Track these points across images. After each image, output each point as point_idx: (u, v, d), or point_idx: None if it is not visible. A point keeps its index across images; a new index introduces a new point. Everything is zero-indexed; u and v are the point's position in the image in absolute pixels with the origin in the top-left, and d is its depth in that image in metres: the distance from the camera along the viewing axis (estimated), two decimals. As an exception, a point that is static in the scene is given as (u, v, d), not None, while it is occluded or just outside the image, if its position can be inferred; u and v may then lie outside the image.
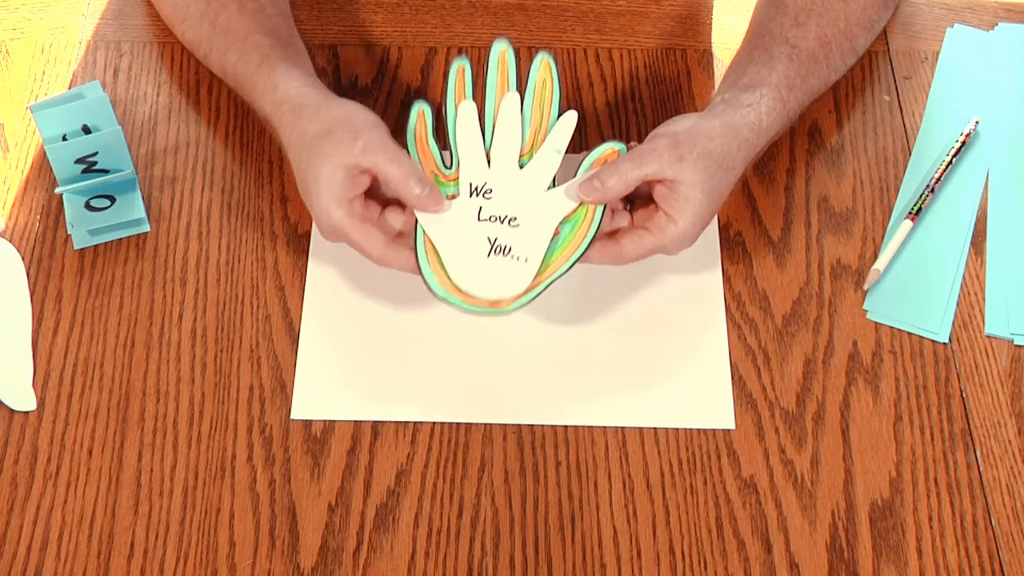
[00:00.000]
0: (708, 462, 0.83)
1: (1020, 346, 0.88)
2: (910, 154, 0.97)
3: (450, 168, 0.86)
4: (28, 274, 0.90)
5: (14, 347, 0.86)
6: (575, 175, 0.86)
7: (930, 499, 0.82)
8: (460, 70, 0.87)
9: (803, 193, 0.95)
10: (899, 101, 1.00)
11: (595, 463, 0.83)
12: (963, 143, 0.96)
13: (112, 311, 0.88)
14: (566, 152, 0.86)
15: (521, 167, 0.86)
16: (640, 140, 0.87)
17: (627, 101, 1.00)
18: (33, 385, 0.85)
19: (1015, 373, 0.87)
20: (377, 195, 0.85)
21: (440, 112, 0.88)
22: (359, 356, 0.87)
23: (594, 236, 0.84)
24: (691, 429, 0.84)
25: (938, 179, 0.94)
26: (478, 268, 0.83)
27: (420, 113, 0.87)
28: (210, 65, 0.96)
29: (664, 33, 1.04)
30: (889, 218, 0.94)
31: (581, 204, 0.85)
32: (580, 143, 0.97)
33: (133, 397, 0.85)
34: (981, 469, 0.83)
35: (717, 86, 1.00)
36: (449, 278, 0.83)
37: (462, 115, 0.87)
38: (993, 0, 1.07)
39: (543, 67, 0.87)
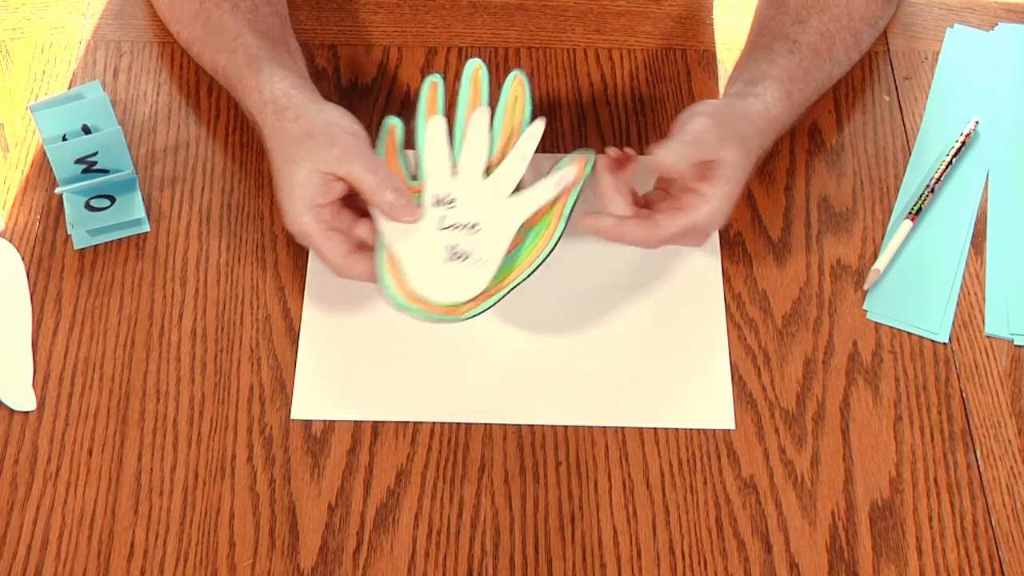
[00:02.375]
0: (708, 462, 0.83)
1: (1020, 346, 0.88)
2: (910, 154, 0.97)
3: (416, 180, 0.86)
4: (28, 274, 0.90)
5: (14, 347, 0.86)
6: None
7: (930, 499, 0.82)
8: (432, 85, 0.88)
9: (803, 193, 0.95)
10: (899, 101, 1.00)
11: (595, 463, 0.83)
12: (963, 143, 0.97)
13: (112, 311, 0.88)
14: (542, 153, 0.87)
15: (487, 177, 0.86)
16: (645, 140, 0.87)
17: (627, 101, 1.00)
18: (33, 385, 0.85)
19: (1015, 373, 0.87)
20: (354, 204, 0.85)
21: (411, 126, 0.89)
22: (359, 356, 0.87)
23: (556, 243, 0.84)
24: (691, 429, 0.84)
25: (938, 179, 0.94)
26: (436, 274, 0.83)
27: (391, 127, 0.89)
28: (203, 64, 0.96)
29: (664, 33, 1.04)
30: (889, 218, 0.94)
31: (544, 211, 0.85)
32: (579, 142, 0.97)
33: (133, 397, 0.85)
34: (981, 469, 0.83)
35: (722, 88, 1.00)
36: (409, 287, 0.83)
37: (431, 129, 0.87)
38: (993, 0, 1.07)
39: (515, 84, 0.88)
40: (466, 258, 0.83)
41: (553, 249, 0.84)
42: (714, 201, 0.83)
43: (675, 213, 0.84)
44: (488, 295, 0.83)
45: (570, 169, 0.86)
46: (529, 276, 0.84)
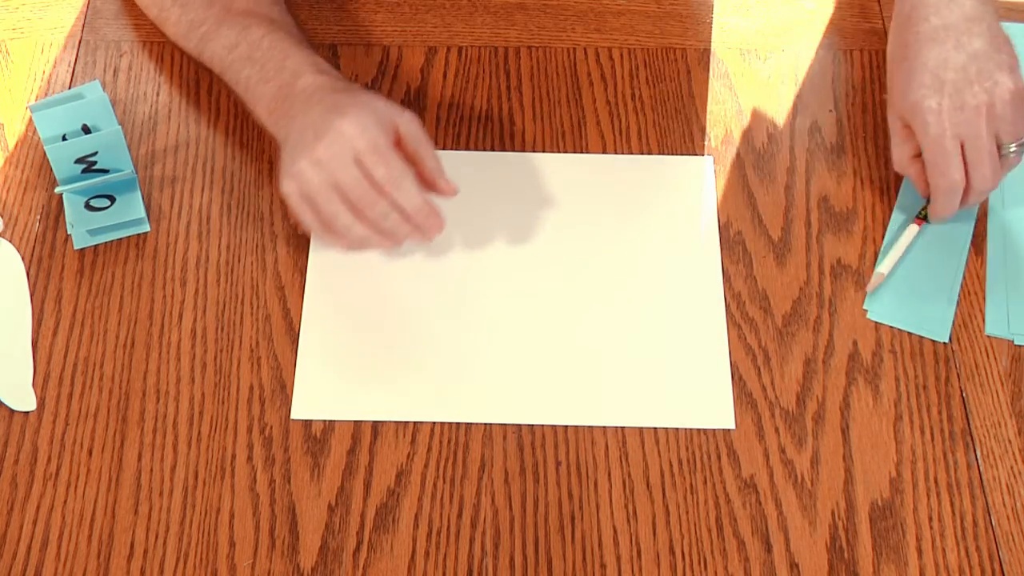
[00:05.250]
0: (708, 462, 0.83)
1: (1020, 346, 0.88)
2: (910, 154, 0.97)
3: None
4: (28, 274, 0.90)
5: (14, 347, 0.86)
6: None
7: (930, 499, 0.82)
8: None
9: (803, 193, 0.95)
10: (899, 101, 1.00)
11: (595, 463, 0.83)
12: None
13: (112, 311, 0.88)
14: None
15: None
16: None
17: (627, 101, 1.00)
18: (33, 385, 0.85)
19: (1015, 373, 0.87)
20: None
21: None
22: (359, 356, 0.87)
23: None
24: (691, 429, 0.84)
25: None
26: None
27: None
28: (206, 42, 0.94)
29: (664, 33, 1.04)
30: (889, 218, 0.94)
31: None
32: (579, 142, 0.97)
33: (133, 397, 0.85)
34: (981, 469, 0.83)
35: (721, 87, 1.00)
36: None
37: None
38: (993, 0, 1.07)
39: None
40: None
41: None
42: (920, 112, 0.86)
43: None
44: None
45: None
46: None
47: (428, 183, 0.86)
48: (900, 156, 0.91)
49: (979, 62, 0.86)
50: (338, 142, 0.82)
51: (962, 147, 0.86)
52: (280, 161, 0.85)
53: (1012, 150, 0.87)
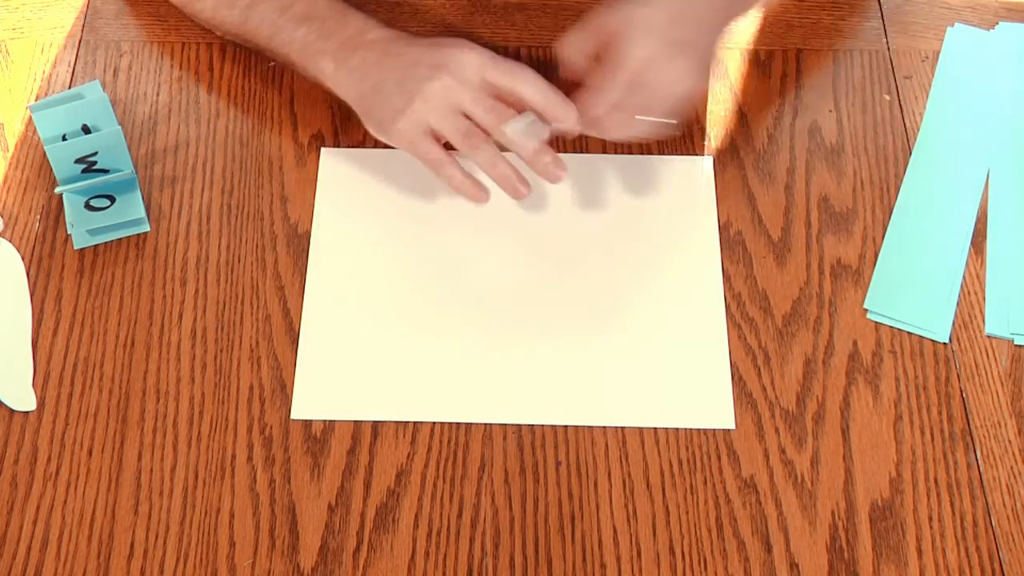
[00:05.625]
0: (708, 462, 0.83)
1: (1020, 346, 0.88)
2: (910, 154, 0.97)
3: None
4: (28, 274, 0.90)
5: (14, 347, 0.86)
6: None
7: (930, 499, 0.82)
8: None
9: (803, 193, 0.95)
10: (899, 101, 1.00)
11: (595, 463, 0.83)
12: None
13: (112, 311, 0.88)
14: None
15: None
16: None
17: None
18: (33, 385, 0.85)
19: (1015, 373, 0.87)
20: None
21: None
22: (359, 356, 0.87)
23: None
24: (691, 429, 0.84)
25: None
26: None
27: None
28: (254, 7, 0.94)
29: (664, 33, 1.04)
30: (889, 218, 0.94)
31: None
32: (579, 142, 0.97)
33: (133, 397, 0.85)
34: (981, 469, 0.83)
35: (715, 85, 1.00)
36: None
37: None
38: (993, -1, 1.07)
39: None
40: None
41: None
42: (633, 46, 0.84)
43: (605, 74, 0.85)
44: None
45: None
46: None
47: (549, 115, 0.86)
48: (581, 44, 0.88)
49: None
50: (464, 68, 0.84)
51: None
52: (371, 108, 0.87)
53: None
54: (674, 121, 0.87)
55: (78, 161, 0.92)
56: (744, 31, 1.03)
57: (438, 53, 0.86)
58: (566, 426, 0.84)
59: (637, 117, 0.86)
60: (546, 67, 1.01)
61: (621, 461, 0.83)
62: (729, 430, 0.84)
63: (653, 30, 0.85)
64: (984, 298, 0.90)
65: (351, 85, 0.89)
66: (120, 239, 0.92)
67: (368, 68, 0.88)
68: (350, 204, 0.94)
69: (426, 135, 0.86)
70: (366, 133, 0.90)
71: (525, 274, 0.91)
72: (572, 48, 0.89)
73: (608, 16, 0.87)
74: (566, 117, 0.85)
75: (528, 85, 0.84)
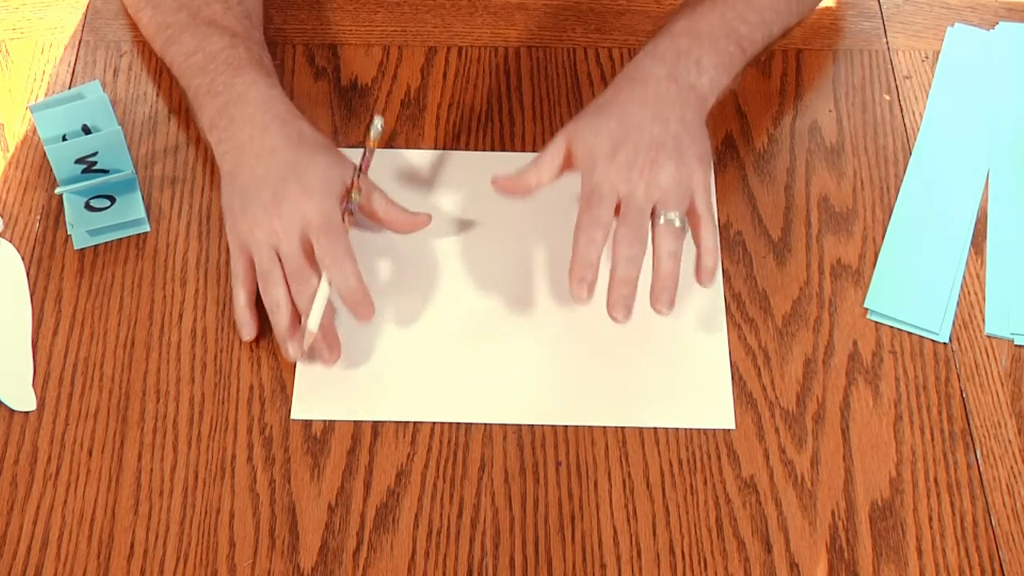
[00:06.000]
0: (708, 462, 0.83)
1: (1020, 346, 0.88)
2: (910, 154, 0.97)
3: None
4: (28, 274, 0.90)
5: (14, 347, 0.86)
6: None
7: (930, 499, 0.82)
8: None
9: (803, 193, 0.95)
10: (899, 101, 1.00)
11: (595, 463, 0.83)
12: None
13: (112, 311, 0.88)
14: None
15: None
16: None
17: (627, 101, 1.00)
18: (33, 385, 0.85)
19: (1015, 373, 0.87)
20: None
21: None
22: (359, 356, 0.87)
23: None
24: (691, 429, 0.84)
25: None
26: None
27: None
28: (168, 45, 0.95)
29: (664, 33, 1.04)
30: (889, 218, 0.94)
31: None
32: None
33: (133, 397, 0.85)
34: (981, 469, 0.83)
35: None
36: None
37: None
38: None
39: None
40: None
41: None
42: (580, 155, 0.85)
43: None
44: None
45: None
46: None
47: (401, 227, 0.89)
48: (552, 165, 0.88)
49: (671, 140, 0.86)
50: (292, 215, 0.83)
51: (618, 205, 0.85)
52: (222, 185, 0.87)
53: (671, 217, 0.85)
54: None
55: (78, 161, 0.92)
56: (744, 31, 1.03)
57: (282, 190, 0.84)
58: (566, 426, 0.84)
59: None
60: (546, 67, 1.02)
61: (621, 461, 0.83)
62: (729, 430, 0.84)
63: (612, 132, 0.85)
64: (984, 298, 0.90)
65: (216, 151, 0.90)
66: (120, 239, 0.92)
67: (233, 147, 0.88)
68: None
69: (242, 249, 0.86)
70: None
71: (525, 274, 0.91)
72: (543, 174, 0.88)
73: (551, 142, 0.88)
74: (364, 315, 0.84)
75: (336, 274, 0.83)
